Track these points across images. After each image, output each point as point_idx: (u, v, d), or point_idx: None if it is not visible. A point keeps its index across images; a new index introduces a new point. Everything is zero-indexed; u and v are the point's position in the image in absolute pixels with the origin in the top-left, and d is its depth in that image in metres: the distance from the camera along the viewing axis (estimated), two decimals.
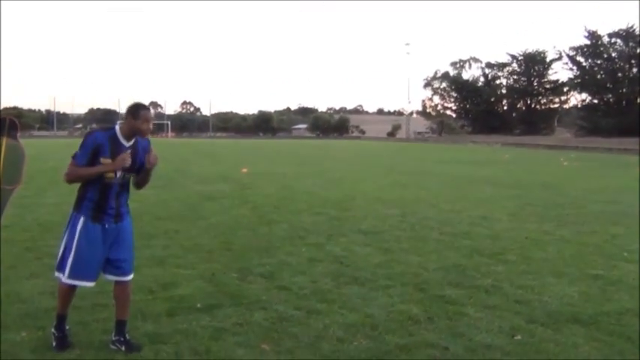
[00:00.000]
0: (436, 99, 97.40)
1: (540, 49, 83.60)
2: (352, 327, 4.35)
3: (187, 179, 16.44)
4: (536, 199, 12.60)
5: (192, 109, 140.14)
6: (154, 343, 3.95)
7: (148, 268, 6.04)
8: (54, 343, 3.88)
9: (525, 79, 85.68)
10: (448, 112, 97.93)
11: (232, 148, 42.83)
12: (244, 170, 19.48)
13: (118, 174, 3.77)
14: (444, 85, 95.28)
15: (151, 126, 3.83)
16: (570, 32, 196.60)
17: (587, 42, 69.81)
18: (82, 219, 3.76)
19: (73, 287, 3.88)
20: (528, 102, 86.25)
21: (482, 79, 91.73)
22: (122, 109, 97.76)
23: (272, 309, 4.74)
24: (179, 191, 13.30)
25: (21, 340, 3.99)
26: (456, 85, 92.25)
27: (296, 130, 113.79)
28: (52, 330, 3.96)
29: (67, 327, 4.00)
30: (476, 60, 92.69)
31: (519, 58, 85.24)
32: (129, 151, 3.76)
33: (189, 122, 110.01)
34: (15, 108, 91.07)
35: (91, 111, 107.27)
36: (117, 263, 3.86)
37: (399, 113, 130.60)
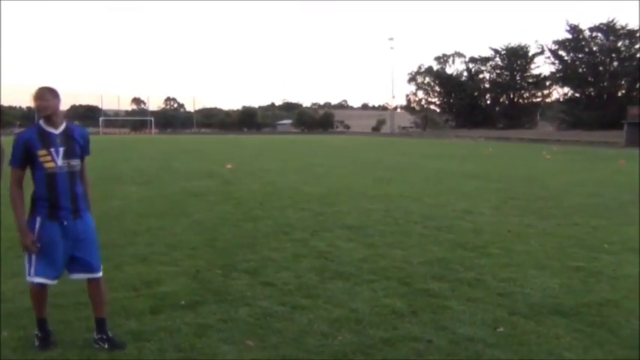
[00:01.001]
0: (420, 94, 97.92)
1: (523, 44, 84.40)
2: (337, 322, 4.37)
3: (171, 176, 16.34)
4: (519, 193, 12.71)
5: (175, 105, 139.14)
6: (138, 341, 3.93)
7: (132, 265, 6.01)
8: (37, 343, 3.85)
9: (508, 73, 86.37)
10: (432, 106, 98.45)
11: (216, 144, 42.64)
12: (229, 166, 19.42)
13: (59, 162, 3.70)
14: (427, 79, 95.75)
15: (44, 102, 3.69)
16: (552, 26, 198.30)
17: (569, 36, 70.52)
18: (38, 219, 3.71)
19: (42, 287, 3.82)
20: (511, 96, 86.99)
21: (465, 73, 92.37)
22: (104, 106, 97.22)
23: (256, 305, 4.74)
24: (163, 188, 13.21)
25: (2, 340, 3.95)
26: (439, 79, 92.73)
27: (281, 125, 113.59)
28: (35, 331, 3.92)
29: (50, 328, 3.97)
30: (459, 55, 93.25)
31: (502, 52, 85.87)
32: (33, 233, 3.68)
33: (172, 118, 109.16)
34: None
35: (73, 107, 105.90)
36: (83, 261, 3.83)
37: (384, 108, 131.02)
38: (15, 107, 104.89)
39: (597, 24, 67.83)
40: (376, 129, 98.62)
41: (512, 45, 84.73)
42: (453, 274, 5.75)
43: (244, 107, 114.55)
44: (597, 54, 69.14)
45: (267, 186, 13.79)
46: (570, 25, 69.78)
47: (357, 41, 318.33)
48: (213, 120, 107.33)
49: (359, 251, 6.78)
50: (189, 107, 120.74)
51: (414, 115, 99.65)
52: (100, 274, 3.93)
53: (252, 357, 3.71)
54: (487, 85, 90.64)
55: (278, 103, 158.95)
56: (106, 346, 3.80)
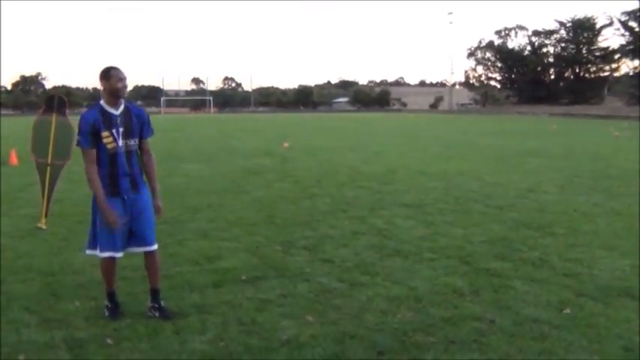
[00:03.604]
0: (480, 69, 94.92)
1: (590, 15, 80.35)
2: (396, 299, 4.34)
3: (230, 154, 16.62)
4: (585, 171, 12.21)
5: (233, 84, 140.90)
6: (201, 313, 4.04)
7: (194, 241, 6.16)
8: (107, 313, 4.03)
9: (574, 46, 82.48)
10: (492, 82, 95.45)
11: (273, 123, 42.99)
12: (286, 145, 19.55)
13: (120, 142, 3.83)
14: (488, 54, 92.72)
15: (126, 83, 3.87)
16: None
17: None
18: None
19: (112, 260, 3.98)
20: (577, 70, 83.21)
21: (528, 47, 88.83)
22: (166, 87, 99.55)
23: (315, 281, 4.77)
24: (222, 166, 13.47)
25: (75, 310, 4.14)
26: (500, 54, 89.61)
27: (337, 103, 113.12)
28: (105, 302, 4.10)
29: (118, 300, 4.15)
30: (522, 28, 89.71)
31: (567, 25, 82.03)
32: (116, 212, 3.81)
33: (230, 98, 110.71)
34: (64, 86, 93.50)
35: (136, 88, 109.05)
36: (140, 235, 3.96)
37: (442, 85, 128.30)
38: (82, 88, 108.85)
39: None
40: (434, 106, 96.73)
41: (578, 17, 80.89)
42: (515, 254, 5.60)
43: (300, 86, 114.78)
44: None
45: (324, 164, 13.80)
46: None
47: (414, 16, 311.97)
48: (270, 99, 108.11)
49: (418, 229, 6.70)
50: (247, 86, 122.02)
51: (473, 92, 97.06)
52: (156, 246, 4.05)
53: (312, 332, 3.74)
54: (551, 60, 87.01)
55: (334, 81, 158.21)
56: (157, 315, 3.96)
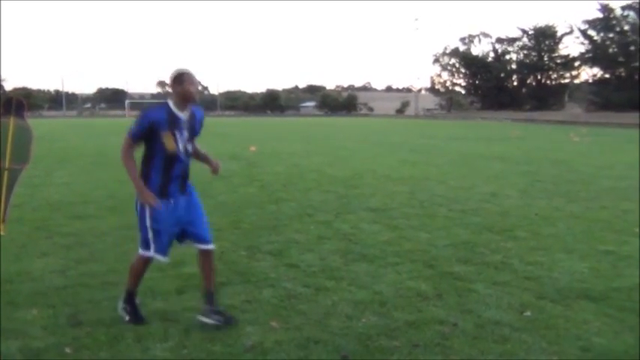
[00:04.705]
0: (445, 75, 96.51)
1: (551, 24, 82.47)
2: (360, 304, 4.36)
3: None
4: (547, 176, 12.50)
5: (200, 87, 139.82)
6: (164, 320, 3.98)
7: None
8: (127, 318, 3.92)
9: (536, 53, 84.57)
10: (457, 88, 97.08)
11: (240, 127, 42.75)
12: (253, 149, 19.46)
13: (181, 145, 3.79)
14: (453, 61, 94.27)
15: (199, 88, 3.84)
16: (582, 6, 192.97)
17: (600, 15, 68.70)
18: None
19: (148, 262, 3.94)
20: (539, 77, 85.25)
21: (492, 54, 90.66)
22: (130, 89, 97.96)
23: (280, 286, 4.75)
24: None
25: (32, 318, 4.03)
26: (465, 60, 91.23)
27: (304, 108, 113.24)
28: (122, 305, 3.97)
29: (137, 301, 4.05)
30: (486, 35, 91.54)
31: (530, 32, 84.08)
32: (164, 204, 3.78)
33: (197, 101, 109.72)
34: (24, 88, 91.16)
35: (100, 90, 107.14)
36: (195, 234, 3.91)
37: (408, 90, 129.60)
38: (43, 90, 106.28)
39: (629, 2, 65.94)
40: (400, 111, 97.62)
41: (540, 25, 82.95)
42: (478, 258, 5.69)
43: (268, 90, 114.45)
44: (628, 33, 67.29)
45: (291, 168, 13.79)
46: (601, 4, 67.97)
47: (381, 22, 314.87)
48: (237, 102, 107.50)
49: (383, 234, 6.74)
50: (214, 90, 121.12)
51: (438, 97, 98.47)
52: (212, 246, 3.97)
53: (276, 338, 3.72)
54: (514, 66, 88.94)
55: (301, 85, 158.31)
56: (217, 321, 3.86)
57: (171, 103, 3.80)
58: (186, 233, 3.92)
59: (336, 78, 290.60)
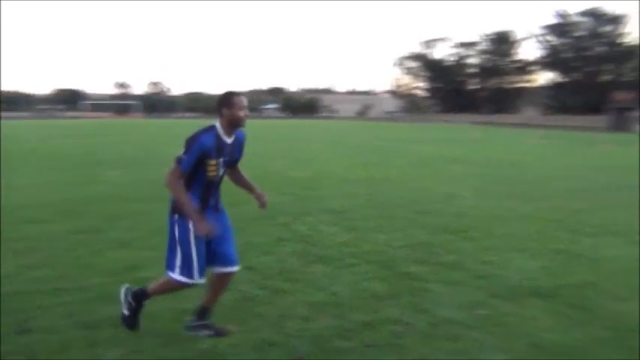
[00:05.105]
0: (406, 78, 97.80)
1: (510, 29, 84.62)
2: (317, 305, 4.37)
3: (157, 160, 16.19)
4: (503, 177, 12.79)
5: (160, 89, 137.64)
6: (116, 326, 3.90)
7: (112, 250, 5.96)
8: (126, 312, 3.79)
9: (495, 58, 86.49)
10: (418, 91, 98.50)
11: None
12: None
13: (221, 171, 3.65)
14: (414, 64, 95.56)
15: (248, 112, 3.61)
16: (540, 12, 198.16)
17: (556, 21, 70.84)
18: (190, 222, 3.54)
19: (185, 287, 3.72)
20: (497, 81, 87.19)
21: (451, 58, 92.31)
22: (87, 90, 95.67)
23: (237, 289, 4.72)
24: (148, 172, 13.10)
25: None
26: (426, 64, 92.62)
27: (266, 110, 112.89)
28: (125, 312, 3.81)
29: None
30: (446, 39, 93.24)
31: (489, 37, 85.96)
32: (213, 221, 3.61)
33: (158, 102, 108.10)
34: None
35: (57, 91, 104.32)
36: (225, 255, 3.72)
37: (370, 93, 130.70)
38: None
39: (584, 9, 68.25)
40: (362, 114, 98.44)
41: (499, 30, 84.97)
42: (434, 258, 5.78)
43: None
44: (583, 39, 69.54)
45: (252, 170, 13.61)
46: (558, 11, 70.15)
47: (344, 25, 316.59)
48: (198, 104, 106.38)
49: (341, 235, 6.78)
50: (175, 91, 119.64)
51: (400, 100, 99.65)
52: (237, 268, 3.82)
53: (232, 341, 3.70)
54: (473, 70, 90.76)
55: (264, 87, 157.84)
56: (209, 333, 3.78)
57: (218, 127, 3.57)
58: (216, 253, 3.70)
59: (299, 80, 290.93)
